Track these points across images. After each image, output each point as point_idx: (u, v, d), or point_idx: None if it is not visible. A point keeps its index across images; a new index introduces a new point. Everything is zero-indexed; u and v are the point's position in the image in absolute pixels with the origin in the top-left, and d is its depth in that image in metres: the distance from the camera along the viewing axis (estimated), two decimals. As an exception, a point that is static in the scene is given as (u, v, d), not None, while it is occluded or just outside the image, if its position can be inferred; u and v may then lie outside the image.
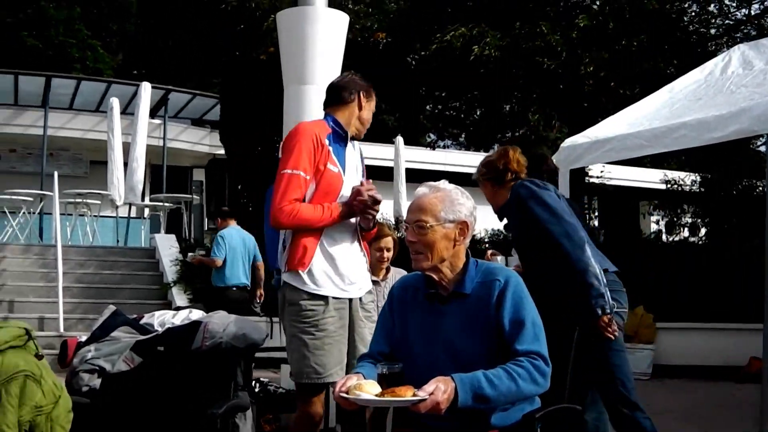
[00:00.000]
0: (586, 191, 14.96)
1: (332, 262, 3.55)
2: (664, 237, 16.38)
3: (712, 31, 13.44)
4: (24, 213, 15.10)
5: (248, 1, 12.78)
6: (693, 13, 13.10)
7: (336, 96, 3.71)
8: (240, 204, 12.75)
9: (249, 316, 8.03)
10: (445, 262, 2.76)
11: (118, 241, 15.73)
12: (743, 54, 6.58)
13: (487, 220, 5.67)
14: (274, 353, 5.46)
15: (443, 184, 2.84)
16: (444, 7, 12.92)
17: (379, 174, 10.35)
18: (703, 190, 15.75)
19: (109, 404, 3.95)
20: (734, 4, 12.94)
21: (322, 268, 3.52)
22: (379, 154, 17.29)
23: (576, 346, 3.26)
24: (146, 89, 13.52)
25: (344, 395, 2.52)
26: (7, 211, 14.83)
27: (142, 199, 14.81)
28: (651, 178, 20.50)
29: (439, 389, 2.43)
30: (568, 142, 6.97)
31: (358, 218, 3.65)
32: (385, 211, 12.70)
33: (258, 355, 4.73)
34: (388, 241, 5.16)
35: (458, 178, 3.43)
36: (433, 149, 18.21)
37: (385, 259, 5.20)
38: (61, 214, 12.06)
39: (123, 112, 14.26)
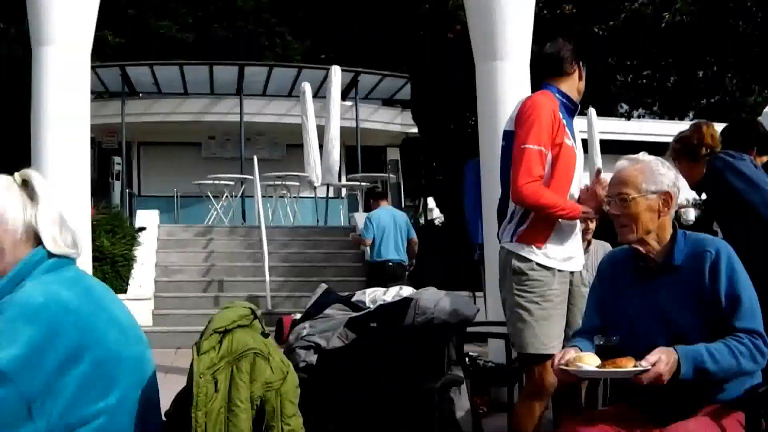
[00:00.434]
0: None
1: (560, 236, 3.46)
2: None
3: None
4: (227, 197, 15.81)
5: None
6: None
7: (557, 67, 3.57)
8: (436, 181, 12.75)
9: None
10: (651, 234, 2.73)
11: (318, 220, 16.15)
12: None
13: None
14: (481, 327, 5.33)
15: (643, 155, 2.82)
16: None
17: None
18: None
19: (325, 380, 3.97)
20: None
21: (552, 242, 3.44)
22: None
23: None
24: (336, 73, 13.76)
25: (564, 368, 2.53)
26: (210, 195, 15.59)
27: (339, 180, 15.12)
28: None
29: (661, 360, 2.42)
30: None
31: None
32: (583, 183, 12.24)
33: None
34: (592, 214, 5.04)
35: (655, 148, 3.39)
36: (629, 119, 17.47)
37: (589, 230, 5.19)
38: (261, 196, 12.50)
39: (315, 96, 14.59)
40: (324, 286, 4.57)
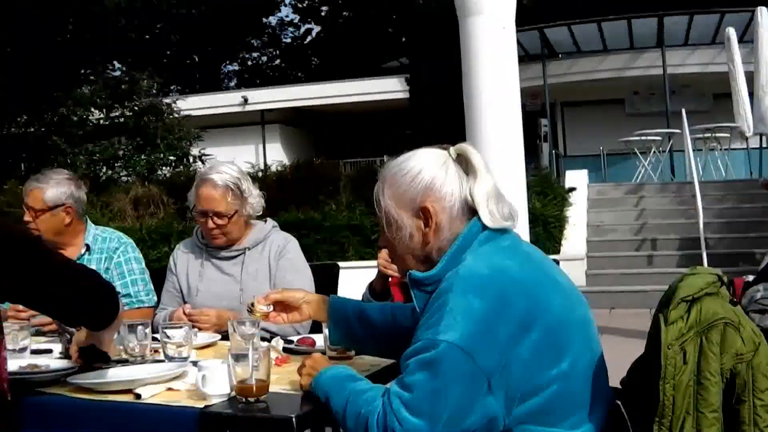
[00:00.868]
0: None
1: None
2: None
3: None
4: (654, 152, 15.33)
5: None
6: None
7: None
8: None
9: None
10: None
11: (751, 173, 15.02)
12: None
13: None
14: None
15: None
16: None
17: None
18: None
19: None
20: None
21: None
22: None
23: None
24: (763, 14, 12.54)
25: None
26: (637, 152, 15.24)
27: (772, 128, 13.85)
28: None
29: None
30: None
31: None
32: None
33: None
34: None
35: None
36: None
37: None
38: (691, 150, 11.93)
39: (740, 41, 13.47)
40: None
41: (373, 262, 3.51)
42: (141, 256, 3.70)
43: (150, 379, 2.16)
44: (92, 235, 3.62)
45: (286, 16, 50.30)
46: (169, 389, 2.15)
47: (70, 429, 2.07)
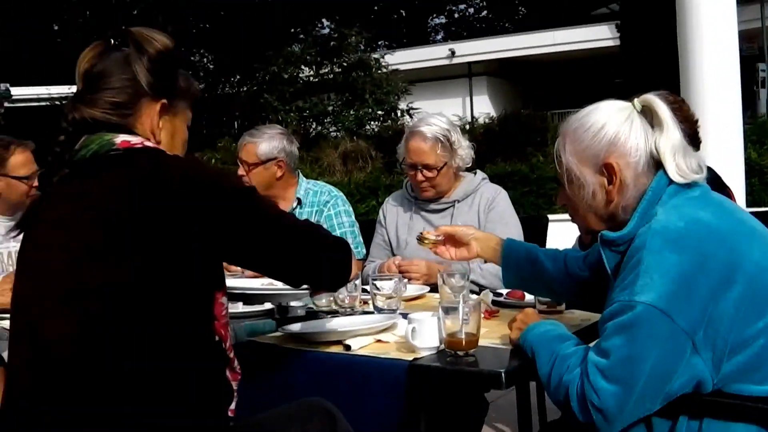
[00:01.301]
0: None
1: None
2: None
3: None
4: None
5: None
6: None
7: None
8: None
9: None
10: None
11: None
12: None
13: None
14: None
15: None
16: None
17: None
18: None
19: None
20: None
21: None
22: None
23: None
24: None
25: None
26: None
27: None
28: None
29: None
30: None
31: None
32: None
33: None
34: None
35: None
36: None
37: None
38: None
39: None
40: None
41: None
42: (351, 209, 3.76)
43: (359, 330, 2.18)
44: (304, 189, 3.71)
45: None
46: (378, 341, 2.15)
47: (281, 377, 2.13)
